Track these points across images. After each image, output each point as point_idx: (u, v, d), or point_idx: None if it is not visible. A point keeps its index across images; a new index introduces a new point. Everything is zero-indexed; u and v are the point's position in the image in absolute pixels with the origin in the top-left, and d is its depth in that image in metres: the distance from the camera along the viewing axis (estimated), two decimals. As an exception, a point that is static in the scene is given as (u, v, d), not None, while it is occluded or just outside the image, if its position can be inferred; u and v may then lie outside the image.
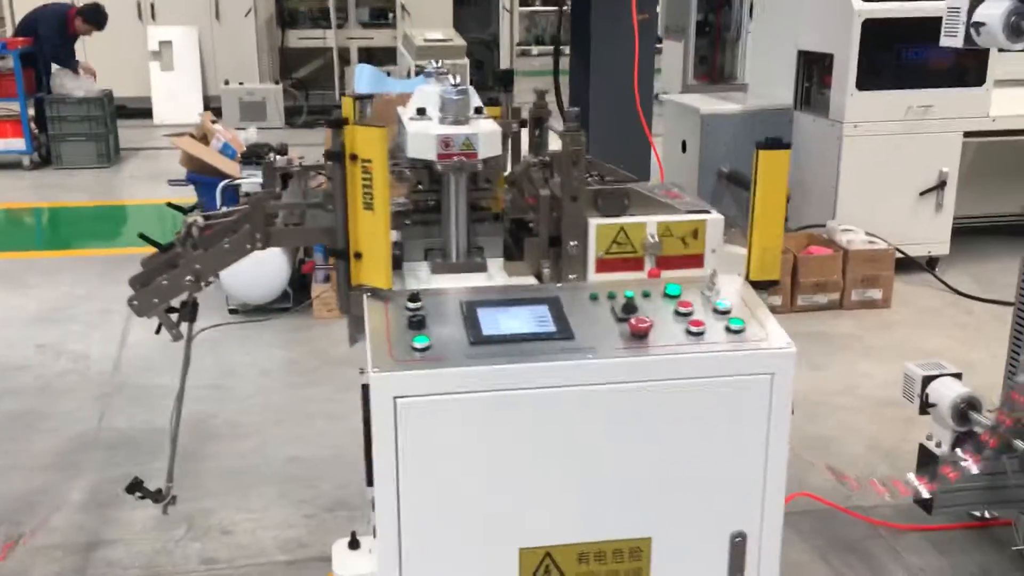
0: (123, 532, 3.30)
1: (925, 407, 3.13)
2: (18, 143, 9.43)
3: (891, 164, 5.96)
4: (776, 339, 2.05)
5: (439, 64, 2.46)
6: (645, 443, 2.03)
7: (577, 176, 2.21)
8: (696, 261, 2.29)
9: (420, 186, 2.29)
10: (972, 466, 2.87)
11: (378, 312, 2.06)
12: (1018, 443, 2.85)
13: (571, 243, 2.24)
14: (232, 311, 5.43)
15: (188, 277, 2.16)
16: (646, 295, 2.15)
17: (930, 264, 6.18)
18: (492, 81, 13.53)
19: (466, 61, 11.67)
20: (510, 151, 2.71)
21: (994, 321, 5.28)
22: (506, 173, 2.57)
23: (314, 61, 13.50)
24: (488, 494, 2.00)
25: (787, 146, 2.19)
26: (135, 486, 2.45)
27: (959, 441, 3.02)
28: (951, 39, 2.90)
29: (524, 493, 2.01)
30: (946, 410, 3.03)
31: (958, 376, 3.13)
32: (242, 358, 4.84)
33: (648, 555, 2.09)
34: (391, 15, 13.57)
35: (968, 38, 2.83)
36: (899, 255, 5.92)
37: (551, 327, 2.03)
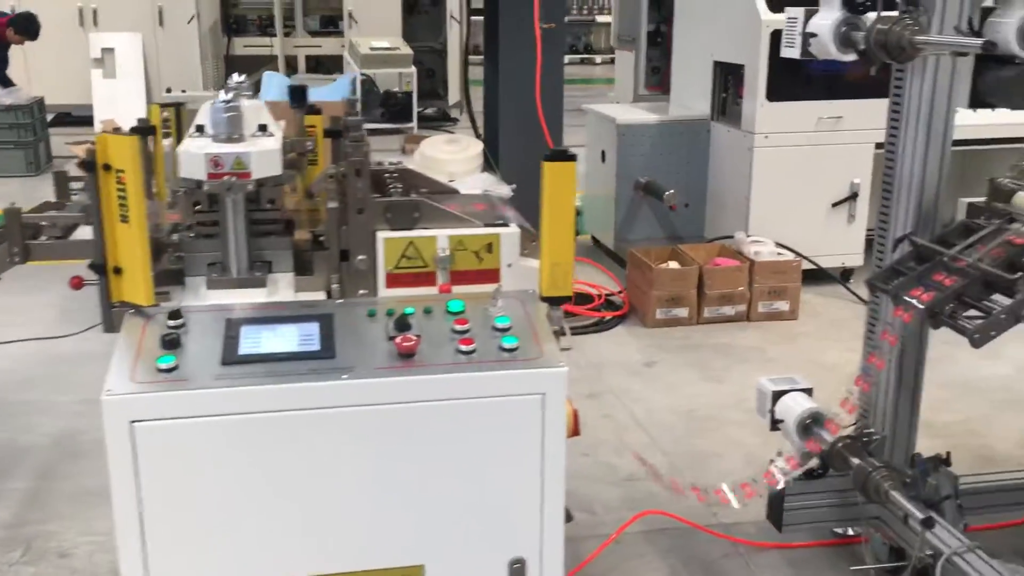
0: (-44, 555, 3.19)
1: (775, 423, 3.07)
2: (-55, 150, 9.28)
3: (803, 175, 5.91)
4: (549, 358, 1.98)
5: (242, 79, 2.38)
6: (413, 466, 1.95)
7: (362, 187, 2.14)
8: (492, 276, 2.22)
9: (199, 206, 2.18)
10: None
11: (135, 330, 1.97)
12: (854, 460, 2.78)
13: (359, 257, 2.16)
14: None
15: (-56, 293, 2.06)
16: (427, 312, 2.08)
17: (844, 276, 6.15)
18: (441, 90, 13.54)
19: (413, 69, 11.64)
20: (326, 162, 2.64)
21: (898, 333, 5.22)
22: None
23: (260, 69, 13.39)
24: (243, 522, 1.91)
25: (572, 158, 2.12)
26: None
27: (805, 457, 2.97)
28: (789, 50, 2.84)
29: (283, 520, 1.92)
30: (792, 426, 2.97)
31: (808, 391, 3.07)
32: (126, 372, 4.72)
33: (421, 583, 2.01)
34: (340, 23, 13.52)
35: (804, 49, 2.78)
36: (812, 267, 5.88)
37: (315, 346, 1.95)
